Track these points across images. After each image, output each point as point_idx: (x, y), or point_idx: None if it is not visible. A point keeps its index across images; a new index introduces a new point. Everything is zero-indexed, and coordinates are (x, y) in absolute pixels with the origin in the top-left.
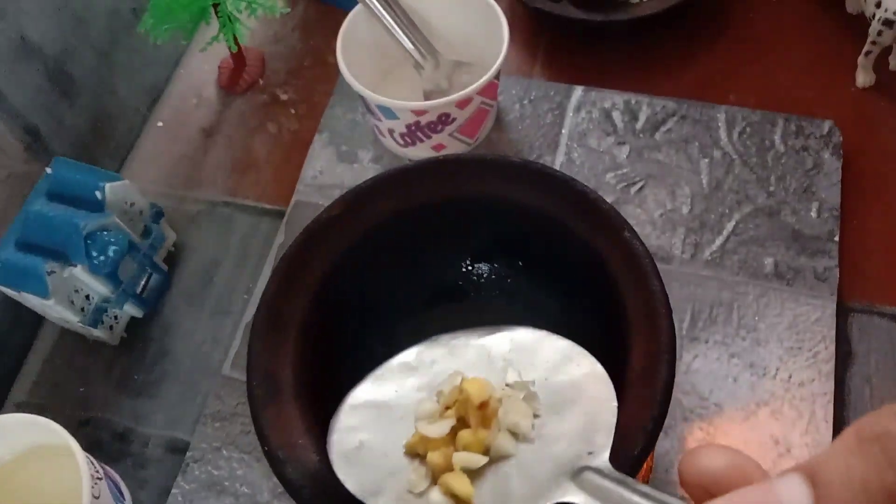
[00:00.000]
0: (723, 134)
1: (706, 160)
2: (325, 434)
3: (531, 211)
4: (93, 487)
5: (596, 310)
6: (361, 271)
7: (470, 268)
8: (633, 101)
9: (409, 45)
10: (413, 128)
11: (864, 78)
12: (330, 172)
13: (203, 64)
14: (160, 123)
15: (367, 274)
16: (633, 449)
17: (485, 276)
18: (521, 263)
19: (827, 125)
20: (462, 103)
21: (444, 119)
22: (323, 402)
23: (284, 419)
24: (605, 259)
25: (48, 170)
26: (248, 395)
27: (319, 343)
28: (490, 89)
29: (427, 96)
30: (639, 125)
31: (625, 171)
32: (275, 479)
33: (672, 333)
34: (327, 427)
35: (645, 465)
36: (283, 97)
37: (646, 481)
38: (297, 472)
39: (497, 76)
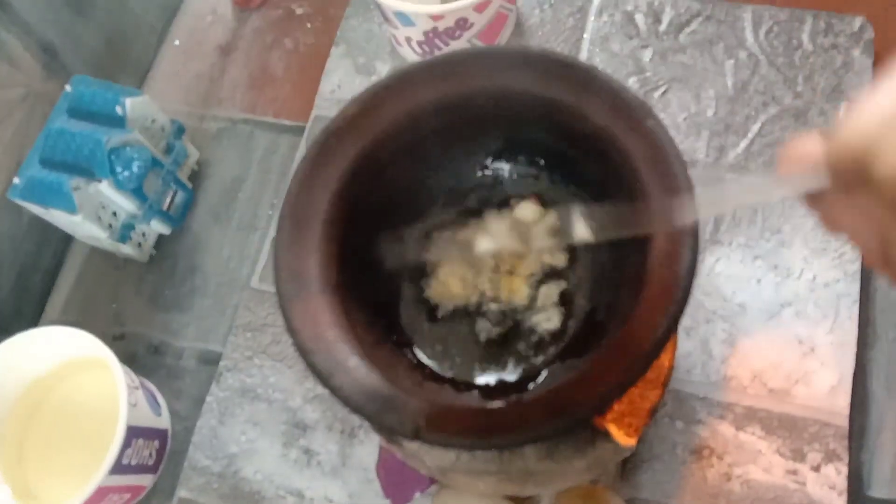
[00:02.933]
0: (749, 34)
1: (731, 61)
2: (352, 327)
3: (551, 103)
4: (130, 395)
5: (621, 202)
6: (380, 170)
7: (490, 167)
8: (656, 3)
9: None
10: (431, 35)
11: None
12: (348, 85)
13: None
14: (176, 42)
15: (385, 172)
16: (657, 331)
17: (505, 175)
18: (542, 162)
19: (858, 21)
20: (480, 6)
21: (462, 24)
22: (347, 297)
23: (312, 312)
24: (627, 148)
25: (67, 87)
26: (276, 291)
27: (342, 241)
28: None
29: (444, 3)
30: (662, 27)
31: (648, 74)
32: (306, 385)
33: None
34: (353, 320)
35: (666, 364)
36: (298, 11)
37: (667, 381)
38: (326, 361)
39: None
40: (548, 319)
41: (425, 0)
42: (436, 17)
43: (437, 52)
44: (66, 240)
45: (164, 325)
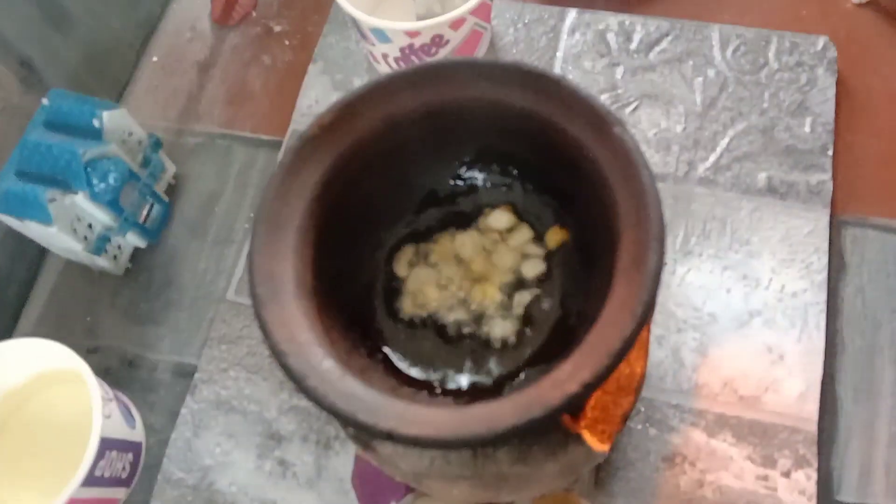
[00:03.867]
0: (717, 52)
1: (700, 79)
2: (326, 332)
3: (523, 113)
4: (104, 407)
5: (589, 210)
6: (355, 177)
7: (464, 176)
8: (627, 22)
9: None
10: (407, 51)
11: None
12: (325, 101)
13: None
14: (155, 58)
15: (360, 180)
16: (624, 330)
17: (479, 183)
18: (515, 171)
19: (821, 41)
20: (456, 24)
21: (437, 41)
22: (322, 302)
23: (287, 317)
24: (596, 156)
25: (44, 101)
26: (250, 295)
27: (318, 246)
28: (483, 10)
29: (420, 20)
30: (633, 46)
31: (619, 91)
32: (281, 396)
33: (661, 221)
34: (327, 325)
35: (639, 371)
36: (277, 28)
37: (639, 388)
38: (300, 364)
39: None
40: (519, 325)
41: (401, 17)
42: (412, 34)
43: None
44: (41, 253)
45: (139, 338)
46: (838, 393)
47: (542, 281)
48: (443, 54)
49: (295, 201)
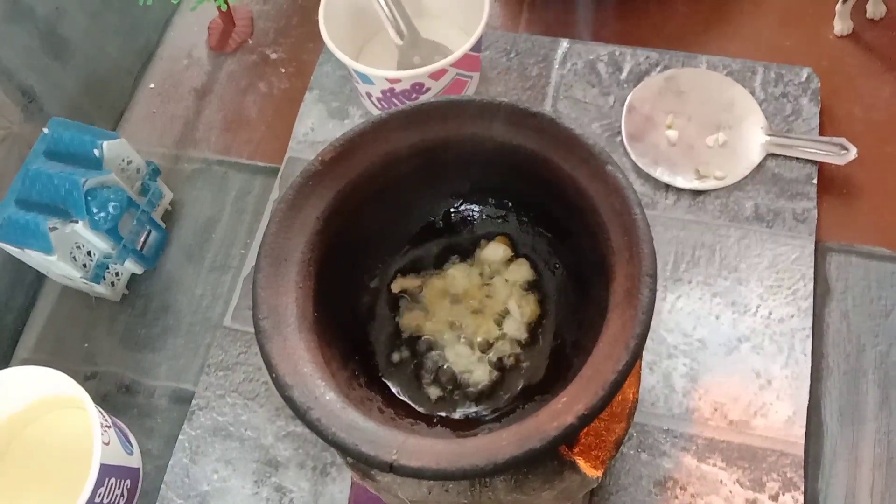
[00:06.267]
0: None
1: None
2: (328, 364)
3: (517, 150)
4: (103, 434)
5: (583, 243)
6: (355, 211)
7: (461, 209)
8: (617, 53)
9: (386, 11)
10: (388, 94)
11: (841, 26)
12: (321, 129)
13: (193, 25)
14: (152, 85)
15: (360, 214)
16: (617, 364)
17: (475, 216)
18: (510, 203)
19: (805, 72)
20: (436, 75)
21: (418, 88)
22: (323, 334)
23: (290, 349)
24: (589, 192)
25: (45, 130)
26: (254, 328)
27: (318, 278)
28: (467, 62)
29: (401, 69)
30: (623, 76)
31: (610, 120)
32: (278, 422)
33: (652, 257)
34: (328, 357)
35: (631, 397)
36: (273, 56)
37: (632, 414)
38: (303, 396)
39: (478, 48)
40: (516, 356)
41: (388, 57)
42: (392, 81)
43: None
44: (39, 279)
45: (136, 364)
46: (824, 416)
47: (539, 313)
48: (424, 99)
49: (297, 236)
